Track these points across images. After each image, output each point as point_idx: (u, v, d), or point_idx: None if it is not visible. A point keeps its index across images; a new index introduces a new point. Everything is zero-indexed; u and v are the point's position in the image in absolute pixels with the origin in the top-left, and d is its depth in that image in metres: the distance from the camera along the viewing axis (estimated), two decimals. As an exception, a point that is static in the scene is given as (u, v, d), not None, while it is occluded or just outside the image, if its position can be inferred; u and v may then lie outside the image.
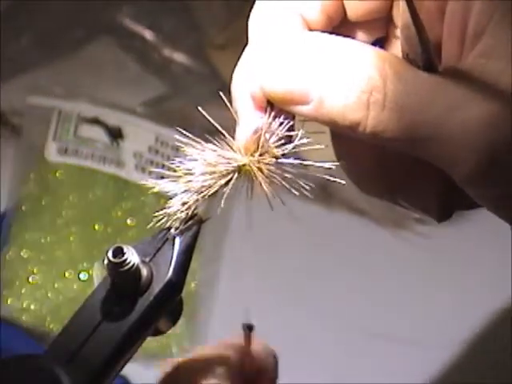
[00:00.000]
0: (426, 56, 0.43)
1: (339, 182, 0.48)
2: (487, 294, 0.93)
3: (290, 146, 0.47)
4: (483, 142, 0.42)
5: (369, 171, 0.47)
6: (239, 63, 0.48)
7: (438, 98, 0.42)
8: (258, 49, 0.47)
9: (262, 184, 0.48)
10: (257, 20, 0.47)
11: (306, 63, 0.45)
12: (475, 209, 0.46)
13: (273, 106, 0.47)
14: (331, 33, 0.47)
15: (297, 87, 0.45)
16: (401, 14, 0.42)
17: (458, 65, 0.44)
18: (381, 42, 0.49)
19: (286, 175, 0.48)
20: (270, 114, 0.47)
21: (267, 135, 0.47)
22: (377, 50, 0.45)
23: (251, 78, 0.47)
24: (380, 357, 0.90)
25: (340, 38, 0.45)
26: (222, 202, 0.48)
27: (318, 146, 0.47)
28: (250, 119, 0.48)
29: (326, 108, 0.44)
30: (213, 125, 0.48)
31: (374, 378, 0.88)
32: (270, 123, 0.47)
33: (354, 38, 0.49)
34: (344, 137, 0.47)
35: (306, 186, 0.48)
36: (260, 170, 0.48)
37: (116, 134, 1.00)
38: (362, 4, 0.47)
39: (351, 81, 0.43)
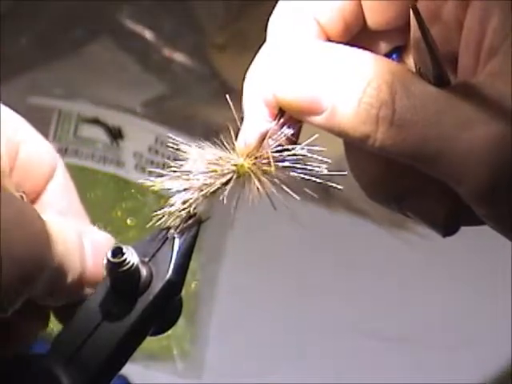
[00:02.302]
0: (436, 72, 0.43)
1: (336, 187, 0.48)
2: (487, 293, 0.93)
3: (286, 153, 0.48)
4: (490, 163, 0.42)
5: (376, 178, 0.48)
6: (253, 64, 0.48)
7: (447, 116, 0.42)
8: (274, 55, 0.47)
9: (260, 184, 0.48)
10: (275, 23, 0.48)
11: (319, 74, 0.45)
12: (483, 225, 0.46)
13: (283, 113, 0.48)
14: (350, 42, 0.47)
15: (310, 98, 0.45)
16: (411, 29, 0.43)
17: (471, 80, 0.44)
18: (399, 50, 0.50)
19: (284, 176, 0.48)
20: (278, 121, 0.48)
21: (270, 141, 0.48)
22: (389, 63, 0.45)
23: (265, 83, 0.47)
24: (380, 357, 0.90)
25: (353, 50, 0.45)
26: (223, 201, 0.48)
27: (319, 158, 0.48)
28: (255, 123, 0.48)
29: (336, 120, 0.45)
30: (213, 124, 0.48)
31: (374, 377, 0.88)
32: (276, 129, 0.48)
33: (373, 46, 0.49)
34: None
35: (304, 188, 0.48)
36: (258, 170, 0.48)
37: (116, 134, 1.00)
38: (382, 13, 0.48)
39: (362, 95, 0.44)
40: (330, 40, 0.48)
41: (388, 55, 0.49)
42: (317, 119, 0.45)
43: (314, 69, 0.45)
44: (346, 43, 0.47)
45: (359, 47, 0.46)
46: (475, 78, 0.44)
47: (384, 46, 0.50)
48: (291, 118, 0.48)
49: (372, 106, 0.43)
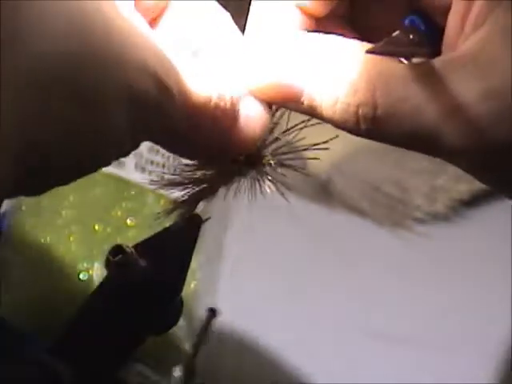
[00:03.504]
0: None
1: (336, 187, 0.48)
2: (487, 294, 0.94)
3: (287, 152, 0.48)
4: (480, 139, 0.42)
5: None
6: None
7: (431, 105, 0.42)
8: (249, 49, 0.47)
9: (261, 183, 0.48)
10: (254, 14, 0.47)
11: (295, 68, 0.45)
12: None
13: None
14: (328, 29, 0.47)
15: (286, 90, 0.45)
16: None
17: (453, 54, 0.44)
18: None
19: (284, 175, 0.48)
20: None
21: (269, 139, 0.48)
22: (366, 56, 0.43)
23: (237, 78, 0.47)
24: (380, 357, 0.90)
25: (329, 43, 0.45)
26: (223, 200, 0.48)
27: (319, 147, 0.48)
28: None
29: (317, 114, 0.45)
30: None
31: (374, 378, 0.88)
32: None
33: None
34: None
35: (304, 187, 0.48)
36: (260, 169, 0.48)
37: (116, 134, 0.99)
38: None
39: (338, 94, 0.43)
40: (315, 17, 0.47)
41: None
42: (300, 108, 0.45)
43: (290, 63, 0.45)
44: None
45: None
46: (457, 51, 0.43)
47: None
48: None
49: (350, 104, 0.43)
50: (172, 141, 0.44)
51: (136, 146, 0.42)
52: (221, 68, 0.44)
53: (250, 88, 0.45)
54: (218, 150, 0.44)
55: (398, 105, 0.42)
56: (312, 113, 0.45)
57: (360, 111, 0.43)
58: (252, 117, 0.45)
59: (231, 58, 0.45)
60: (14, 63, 0.34)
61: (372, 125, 0.43)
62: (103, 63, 0.37)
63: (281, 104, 0.46)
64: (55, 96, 0.35)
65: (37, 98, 0.35)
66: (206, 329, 0.41)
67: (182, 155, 0.46)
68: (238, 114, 0.44)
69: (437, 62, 0.43)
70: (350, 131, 0.44)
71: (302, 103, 0.44)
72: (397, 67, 0.43)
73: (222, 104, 0.43)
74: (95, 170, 0.40)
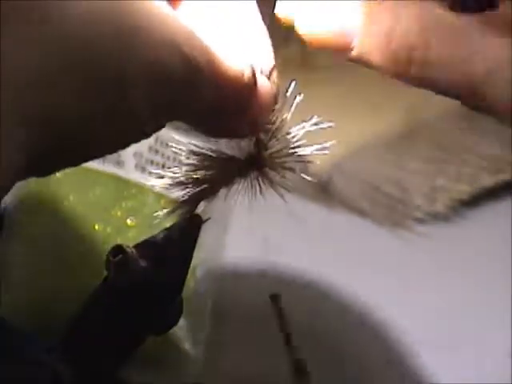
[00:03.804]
0: None
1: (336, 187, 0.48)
2: (487, 294, 0.93)
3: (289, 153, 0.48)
4: None
5: None
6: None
7: (484, 54, 0.42)
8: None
9: (261, 182, 0.48)
10: None
11: (345, 14, 0.44)
12: None
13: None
14: None
15: (336, 34, 0.44)
16: None
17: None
18: None
19: (285, 175, 0.48)
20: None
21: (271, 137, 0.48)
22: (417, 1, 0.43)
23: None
24: (379, 356, 0.90)
25: None
26: (223, 199, 0.48)
27: (323, 152, 0.48)
28: None
29: (366, 59, 0.44)
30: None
31: (374, 377, 0.88)
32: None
33: None
34: None
35: (305, 187, 0.48)
36: (261, 169, 0.48)
37: (116, 134, 0.99)
38: None
39: (388, 37, 0.43)
40: None
41: None
42: (349, 55, 0.45)
43: (339, 11, 0.44)
44: None
45: None
46: None
47: None
48: None
49: (402, 47, 0.43)
50: (201, 116, 0.43)
51: (160, 126, 0.41)
52: (243, 42, 0.44)
53: (303, 36, 0.45)
54: (243, 121, 0.44)
55: (450, 50, 0.42)
56: (360, 60, 0.45)
57: (412, 54, 0.42)
58: (265, 85, 0.45)
59: (248, 33, 0.45)
60: (26, 50, 0.33)
61: (422, 68, 0.42)
62: (122, 34, 0.36)
63: (332, 51, 0.46)
64: (66, 88, 0.35)
65: (40, 95, 0.34)
66: (281, 316, 0.40)
67: (208, 131, 0.45)
68: (256, 83, 0.44)
69: (492, 15, 0.43)
70: (399, 76, 0.44)
71: (352, 50, 0.44)
72: (452, 15, 0.43)
73: (253, 76, 0.42)
74: (114, 152, 0.40)
